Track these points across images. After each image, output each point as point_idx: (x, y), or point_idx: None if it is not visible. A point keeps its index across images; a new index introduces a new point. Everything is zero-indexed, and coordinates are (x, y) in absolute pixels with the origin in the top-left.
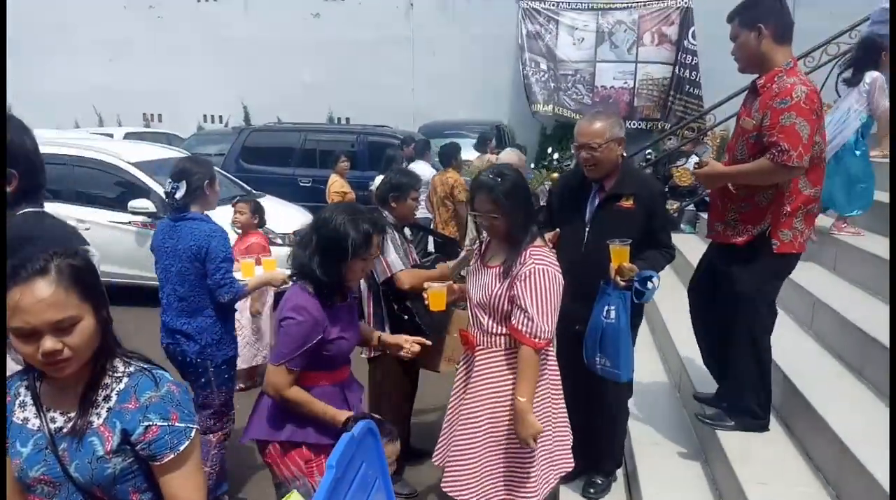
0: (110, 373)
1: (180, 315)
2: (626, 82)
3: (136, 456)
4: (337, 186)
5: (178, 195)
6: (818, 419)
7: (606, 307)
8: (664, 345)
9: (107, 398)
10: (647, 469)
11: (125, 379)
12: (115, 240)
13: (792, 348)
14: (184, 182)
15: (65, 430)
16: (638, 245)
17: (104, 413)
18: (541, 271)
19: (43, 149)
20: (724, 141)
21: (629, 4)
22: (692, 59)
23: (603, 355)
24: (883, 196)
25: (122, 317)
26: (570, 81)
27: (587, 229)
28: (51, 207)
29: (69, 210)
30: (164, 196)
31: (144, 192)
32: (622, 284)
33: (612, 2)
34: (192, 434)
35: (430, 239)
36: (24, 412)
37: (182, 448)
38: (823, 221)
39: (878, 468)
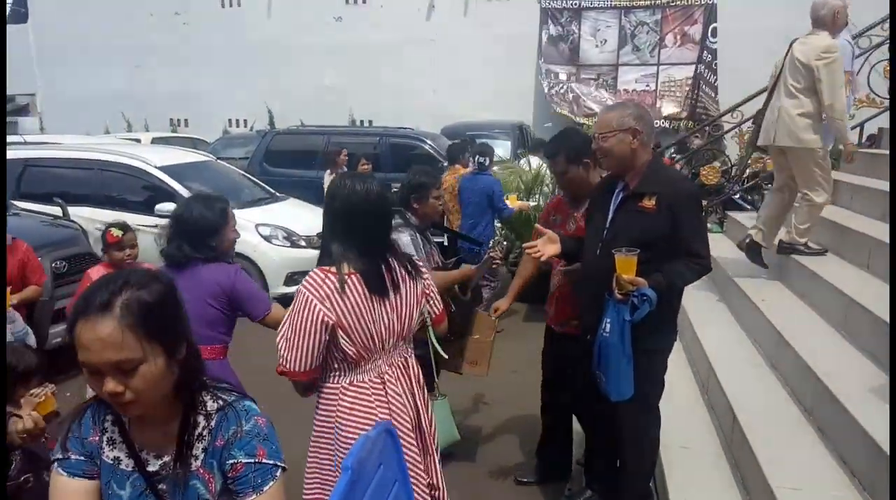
0: (201, 410)
1: (470, 230)
2: (648, 85)
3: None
4: None
5: (486, 163)
6: (853, 422)
7: (606, 320)
8: (691, 346)
9: (200, 438)
10: (675, 473)
11: (215, 416)
12: (142, 243)
13: (825, 349)
14: (487, 157)
15: (164, 473)
16: (663, 253)
17: (200, 455)
18: (298, 295)
19: (72, 154)
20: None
21: (652, 3)
22: (712, 58)
23: (600, 371)
24: None
25: None
26: (592, 85)
27: (605, 231)
28: (79, 211)
29: (97, 214)
30: (476, 163)
31: (171, 195)
32: (619, 297)
33: (635, 1)
34: (279, 474)
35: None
36: (113, 451)
37: (266, 489)
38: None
39: None
